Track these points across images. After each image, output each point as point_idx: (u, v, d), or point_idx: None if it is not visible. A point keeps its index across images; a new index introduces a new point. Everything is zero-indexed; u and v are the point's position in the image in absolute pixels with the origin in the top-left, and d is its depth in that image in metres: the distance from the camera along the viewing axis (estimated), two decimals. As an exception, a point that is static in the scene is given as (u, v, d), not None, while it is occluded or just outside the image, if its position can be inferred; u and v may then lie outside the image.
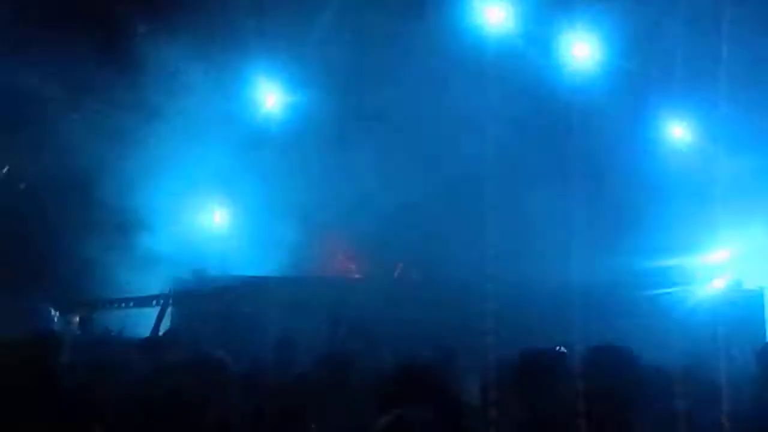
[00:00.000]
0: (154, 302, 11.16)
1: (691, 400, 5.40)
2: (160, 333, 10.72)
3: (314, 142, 13.04)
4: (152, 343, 9.51)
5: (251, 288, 11.08)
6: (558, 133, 12.46)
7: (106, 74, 12.79)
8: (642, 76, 13.06)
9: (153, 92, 12.67)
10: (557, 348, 8.93)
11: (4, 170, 14.39)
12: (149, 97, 12.70)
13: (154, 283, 11.95)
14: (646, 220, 12.75)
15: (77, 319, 11.83)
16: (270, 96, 13.84)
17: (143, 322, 11.65)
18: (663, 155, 13.64)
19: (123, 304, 11.38)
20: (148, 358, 8.60)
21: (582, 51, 13.17)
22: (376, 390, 6.04)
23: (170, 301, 11.22)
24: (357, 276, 13.06)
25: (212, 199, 13.60)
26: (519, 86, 12.40)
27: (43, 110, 12.82)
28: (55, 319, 7.87)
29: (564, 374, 5.35)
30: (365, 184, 12.27)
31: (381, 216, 12.12)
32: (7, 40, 12.72)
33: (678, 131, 13.84)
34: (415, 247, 12.33)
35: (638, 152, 13.43)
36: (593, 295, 10.74)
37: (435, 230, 12.08)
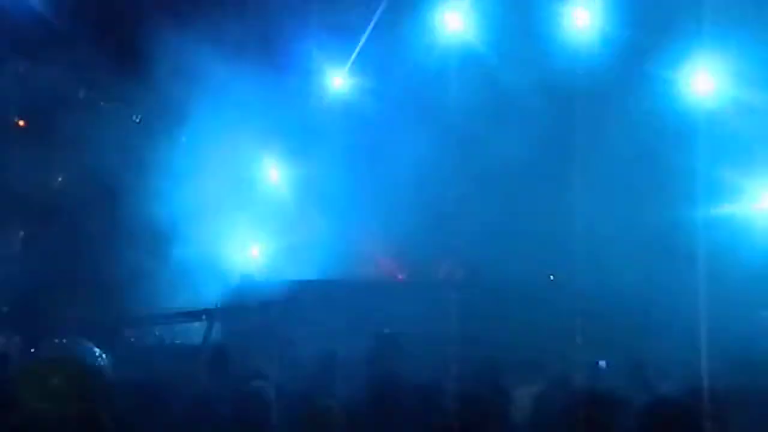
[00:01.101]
0: (204, 317, 11.21)
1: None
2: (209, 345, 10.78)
3: (349, 140, 12.92)
4: (205, 357, 9.58)
5: (294, 297, 10.99)
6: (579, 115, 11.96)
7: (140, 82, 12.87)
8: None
9: (186, 99, 12.66)
10: (598, 363, 8.81)
11: (59, 180, 14.60)
12: (182, 103, 12.70)
13: (202, 293, 12.00)
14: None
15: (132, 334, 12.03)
16: (309, 95, 13.70)
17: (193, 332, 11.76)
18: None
19: (174, 319, 11.48)
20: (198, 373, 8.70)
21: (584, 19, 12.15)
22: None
23: (218, 315, 11.24)
24: (400, 277, 12.90)
25: (251, 203, 13.49)
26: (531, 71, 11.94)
27: (76, 118, 12.93)
28: (101, 357, 8.04)
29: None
30: (406, 182, 12.11)
31: (424, 215, 11.92)
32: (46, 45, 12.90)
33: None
34: (461, 246, 12.10)
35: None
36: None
37: (482, 228, 11.82)
